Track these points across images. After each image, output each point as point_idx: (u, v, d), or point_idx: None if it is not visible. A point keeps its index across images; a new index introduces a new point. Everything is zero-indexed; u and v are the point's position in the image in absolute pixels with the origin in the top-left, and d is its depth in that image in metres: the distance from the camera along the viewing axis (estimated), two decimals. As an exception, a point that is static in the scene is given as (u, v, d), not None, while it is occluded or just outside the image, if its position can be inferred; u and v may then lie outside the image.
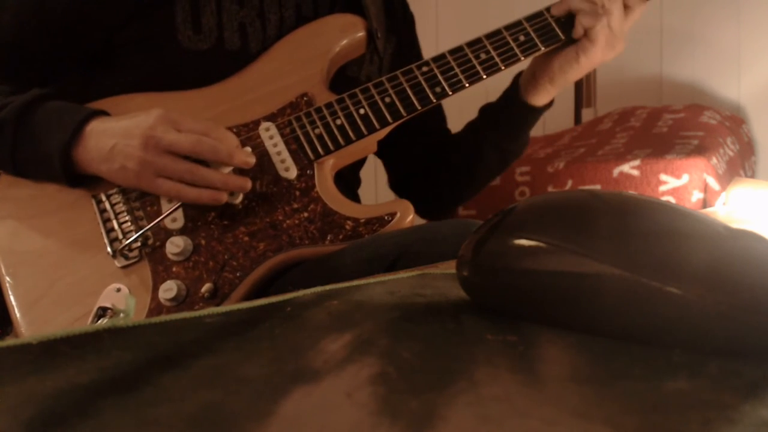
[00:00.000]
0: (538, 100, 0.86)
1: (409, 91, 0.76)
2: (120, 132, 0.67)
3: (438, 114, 0.98)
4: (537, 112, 0.88)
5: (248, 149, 0.72)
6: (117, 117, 0.70)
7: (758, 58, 1.90)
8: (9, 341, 0.27)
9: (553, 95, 0.86)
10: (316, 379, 0.24)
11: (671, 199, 1.37)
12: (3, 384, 0.24)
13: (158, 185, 0.67)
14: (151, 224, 0.69)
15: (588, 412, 0.21)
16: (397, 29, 0.92)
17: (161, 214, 0.70)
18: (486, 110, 0.92)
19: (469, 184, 0.97)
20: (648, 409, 0.21)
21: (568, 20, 0.80)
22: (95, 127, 0.69)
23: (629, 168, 1.44)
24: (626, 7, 0.79)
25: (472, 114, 0.94)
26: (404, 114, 0.75)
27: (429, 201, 0.99)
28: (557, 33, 0.79)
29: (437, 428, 0.20)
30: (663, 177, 1.40)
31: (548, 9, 0.80)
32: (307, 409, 0.21)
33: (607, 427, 0.19)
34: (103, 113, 0.71)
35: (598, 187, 1.47)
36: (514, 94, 0.87)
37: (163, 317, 0.32)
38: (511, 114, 0.88)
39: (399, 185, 1.01)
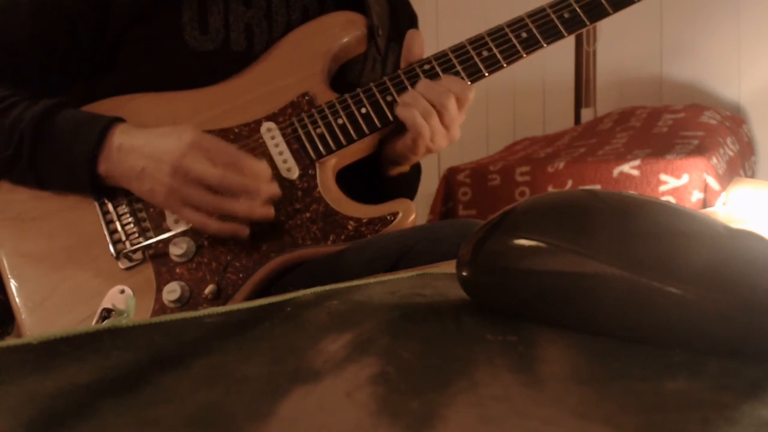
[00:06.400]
0: (393, 172, 0.84)
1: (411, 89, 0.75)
2: (150, 154, 0.67)
3: None
4: (400, 176, 0.85)
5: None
6: (145, 131, 0.69)
7: (758, 58, 1.90)
8: (10, 341, 0.27)
9: (406, 169, 0.84)
10: (316, 379, 0.24)
11: (671, 199, 1.37)
12: (3, 384, 0.24)
13: (183, 213, 0.67)
14: (159, 237, 0.69)
15: (588, 412, 0.21)
16: (400, 38, 0.91)
17: (164, 217, 0.70)
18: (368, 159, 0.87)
19: None
20: (648, 409, 0.21)
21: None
22: (123, 142, 0.68)
23: (629, 168, 1.44)
24: (458, 100, 0.75)
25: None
26: None
27: None
28: (560, 30, 0.78)
29: (437, 428, 0.20)
30: (663, 177, 1.40)
31: (550, 5, 0.80)
32: (307, 409, 0.21)
33: (607, 427, 0.19)
34: (120, 120, 0.70)
35: (598, 187, 1.47)
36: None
37: (163, 317, 0.32)
38: (381, 174, 0.85)
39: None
